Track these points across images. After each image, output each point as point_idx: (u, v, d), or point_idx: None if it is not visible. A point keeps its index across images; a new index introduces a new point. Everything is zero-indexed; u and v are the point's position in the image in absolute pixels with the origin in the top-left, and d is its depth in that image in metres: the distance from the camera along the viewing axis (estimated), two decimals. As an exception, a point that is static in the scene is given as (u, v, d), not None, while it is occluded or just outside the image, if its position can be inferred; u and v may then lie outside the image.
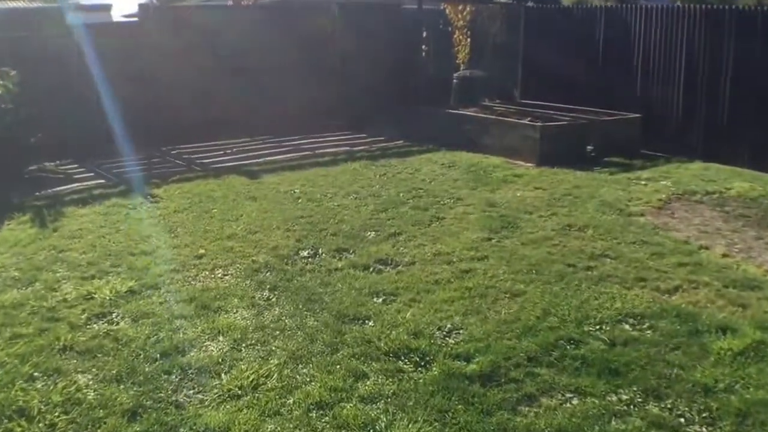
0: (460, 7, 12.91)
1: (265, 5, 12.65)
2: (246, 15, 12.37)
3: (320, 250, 6.71)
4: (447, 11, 12.88)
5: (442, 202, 8.41)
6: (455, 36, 12.86)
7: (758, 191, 9.34)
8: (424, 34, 12.23)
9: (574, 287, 5.86)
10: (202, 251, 6.62)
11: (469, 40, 12.95)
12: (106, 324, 5.18)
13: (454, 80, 13.94)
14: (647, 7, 12.34)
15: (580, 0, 14.03)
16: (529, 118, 11.68)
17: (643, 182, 9.72)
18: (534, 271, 6.25)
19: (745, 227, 7.76)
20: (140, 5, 11.90)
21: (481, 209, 8.13)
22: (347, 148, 11.85)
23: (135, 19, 12.12)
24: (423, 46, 12.49)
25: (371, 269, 6.29)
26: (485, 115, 11.93)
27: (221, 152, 11.50)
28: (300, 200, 8.42)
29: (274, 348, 4.80)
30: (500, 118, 11.77)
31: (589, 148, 11.46)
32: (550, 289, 5.85)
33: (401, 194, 8.72)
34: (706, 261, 6.54)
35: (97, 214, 7.93)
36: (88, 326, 5.14)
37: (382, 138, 12.61)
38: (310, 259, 6.51)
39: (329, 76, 13.43)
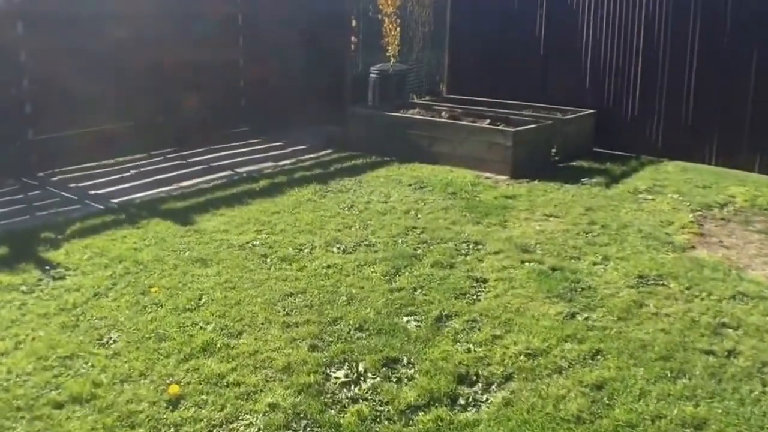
0: None
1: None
2: (128, 2, 9.09)
3: (359, 366, 4.09)
4: None
5: (461, 251, 5.98)
6: (385, 25, 10.32)
7: (764, 197, 7.84)
8: (354, 24, 9.61)
9: (749, 398, 3.80)
10: (173, 390, 3.79)
11: (398, 29, 10.45)
12: None
13: (372, 75, 11.40)
14: (599, -10, 10.43)
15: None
16: (488, 121, 9.43)
17: (650, 197, 7.84)
18: (678, 372, 4.09)
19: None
20: None
21: (517, 258, 5.81)
22: (272, 163, 9.06)
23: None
24: (352, 38, 9.82)
25: (456, 399, 3.79)
26: (437, 119, 9.53)
27: (117, 175, 8.33)
28: (270, 262, 5.66)
29: None
30: (457, 122, 9.42)
31: (553, 151, 9.47)
32: (725, 405, 3.74)
33: (399, 240, 6.19)
34: None
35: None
36: None
37: (306, 147, 9.90)
38: (355, 389, 3.88)
39: (230, 75, 10.46)
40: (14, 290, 5.05)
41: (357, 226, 6.53)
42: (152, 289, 5.05)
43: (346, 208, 7.08)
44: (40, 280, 5.25)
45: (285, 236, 6.20)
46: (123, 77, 9.04)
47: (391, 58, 10.48)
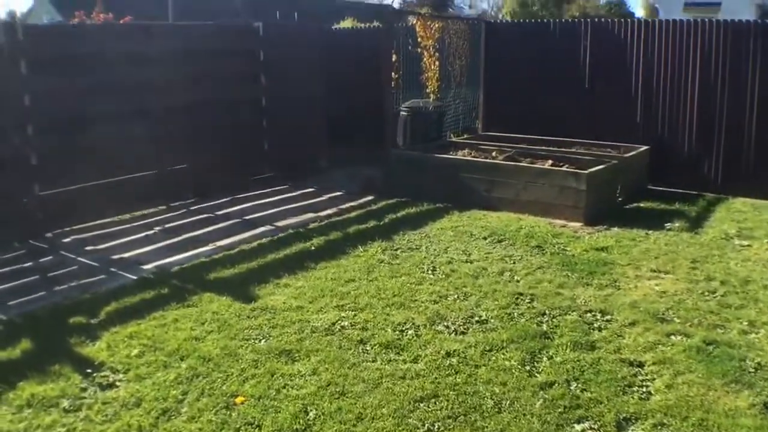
0: (430, 24, 9.22)
1: (170, 30, 8.17)
2: (147, 41, 7.84)
3: None
4: (417, 28, 9.13)
5: (591, 324, 4.79)
6: (424, 59, 9.18)
7: None
8: (394, 58, 8.43)
9: None
10: None
11: (437, 63, 9.31)
12: None
13: (403, 112, 10.25)
14: (648, 22, 9.49)
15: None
16: (550, 162, 8.32)
17: (746, 243, 6.81)
18: None
19: None
20: (3, 25, 7.00)
21: (659, 331, 4.66)
22: (312, 214, 7.79)
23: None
24: (393, 75, 8.64)
25: None
26: (498, 161, 8.38)
27: (140, 234, 7.00)
28: (372, 350, 4.39)
29: None
30: (520, 164, 8.29)
31: (617, 192, 8.41)
32: None
33: (514, 313, 4.96)
34: None
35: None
36: None
37: (342, 193, 8.68)
38: None
39: (252, 115, 9.22)
40: (53, 407, 3.70)
41: (454, 296, 5.30)
42: (237, 400, 3.75)
43: (429, 271, 5.85)
44: (84, 389, 3.89)
45: (375, 313, 4.93)
46: (136, 121, 7.77)
47: (431, 95, 9.34)
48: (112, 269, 6.02)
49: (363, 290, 5.38)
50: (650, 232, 7.11)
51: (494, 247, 6.58)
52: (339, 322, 4.77)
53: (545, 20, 11.46)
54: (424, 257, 6.24)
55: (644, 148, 9.17)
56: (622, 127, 9.62)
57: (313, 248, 6.44)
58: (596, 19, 10.12)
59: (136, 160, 7.85)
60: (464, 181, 8.19)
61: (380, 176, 8.97)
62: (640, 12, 39.78)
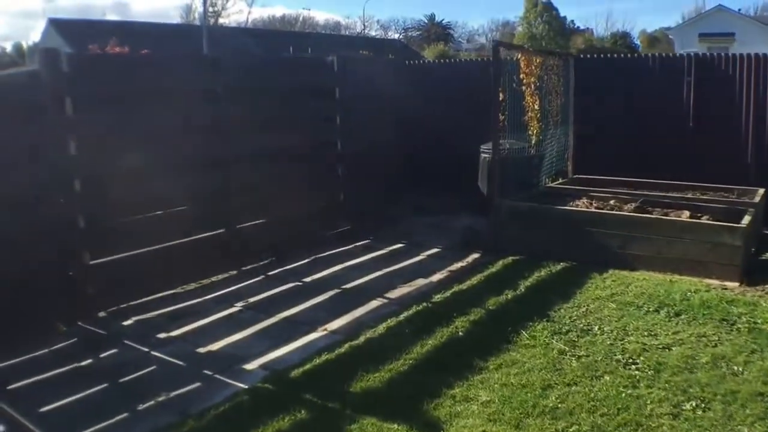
0: (533, 59, 7.68)
1: (240, 64, 6.46)
2: (213, 76, 6.20)
3: None
4: (522, 64, 7.58)
5: None
6: (525, 99, 7.64)
7: None
8: (501, 97, 6.87)
9: None
10: None
11: (538, 102, 7.77)
12: None
13: (483, 153, 8.69)
14: (760, 56, 8.07)
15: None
16: (687, 213, 6.77)
17: None
18: None
19: None
20: (45, 52, 5.23)
21: None
22: (422, 279, 6.13)
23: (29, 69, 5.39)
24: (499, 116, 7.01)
25: None
26: (635, 215, 6.80)
27: (221, 313, 5.30)
28: None
29: None
30: (663, 218, 6.72)
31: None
32: None
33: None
34: None
35: None
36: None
37: (440, 250, 7.09)
38: None
39: (327, 160, 7.57)
40: None
41: (689, 403, 3.73)
42: None
43: (629, 365, 4.24)
44: None
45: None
46: (203, 171, 6.12)
47: (533, 138, 7.81)
48: (206, 371, 4.30)
49: (573, 403, 3.74)
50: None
51: (676, 323, 4.99)
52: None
53: (644, 54, 10.05)
54: (610, 344, 4.61)
55: (761, 190, 7.67)
56: (731, 168, 8.16)
57: (461, 334, 4.76)
58: (700, 54, 8.71)
59: (203, 216, 6.17)
60: (592, 237, 6.60)
61: (479, 229, 7.38)
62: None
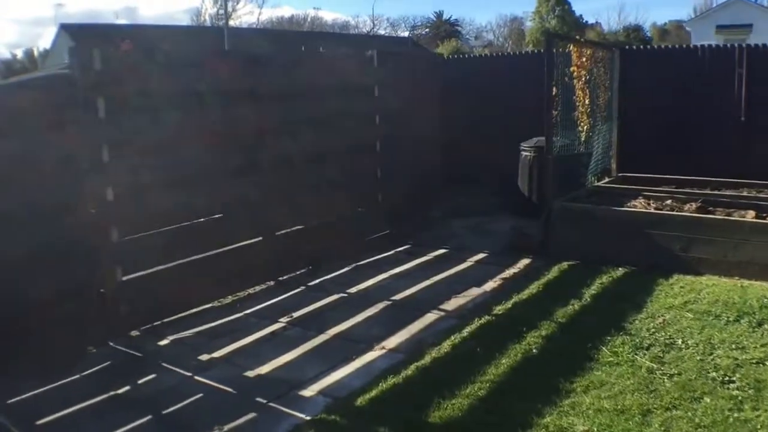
0: (584, 51, 7.16)
1: (280, 61, 5.92)
2: (254, 75, 5.69)
3: None
4: (573, 56, 7.06)
5: None
6: (576, 93, 7.12)
7: None
8: (554, 92, 6.34)
9: None
10: None
11: (588, 97, 7.26)
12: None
13: (524, 152, 8.19)
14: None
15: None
16: (753, 213, 6.26)
17: None
18: None
19: None
20: (77, 49, 4.71)
21: None
22: (476, 289, 5.63)
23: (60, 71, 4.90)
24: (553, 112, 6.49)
25: None
26: (701, 215, 6.29)
27: (263, 330, 4.84)
28: None
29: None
30: (729, 218, 6.21)
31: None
32: None
33: None
34: None
35: None
36: None
37: (487, 256, 6.64)
38: None
39: (366, 162, 7.06)
40: None
41: None
42: None
43: (726, 384, 3.75)
44: None
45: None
46: (239, 176, 5.64)
47: (582, 135, 7.30)
48: (259, 398, 3.83)
49: (679, 431, 3.25)
50: None
51: (761, 334, 4.50)
52: None
53: (693, 45, 9.52)
54: (699, 360, 4.12)
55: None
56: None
57: (535, 351, 4.27)
58: (753, 45, 8.18)
59: (239, 224, 5.71)
60: (652, 240, 6.10)
61: (527, 232, 6.88)
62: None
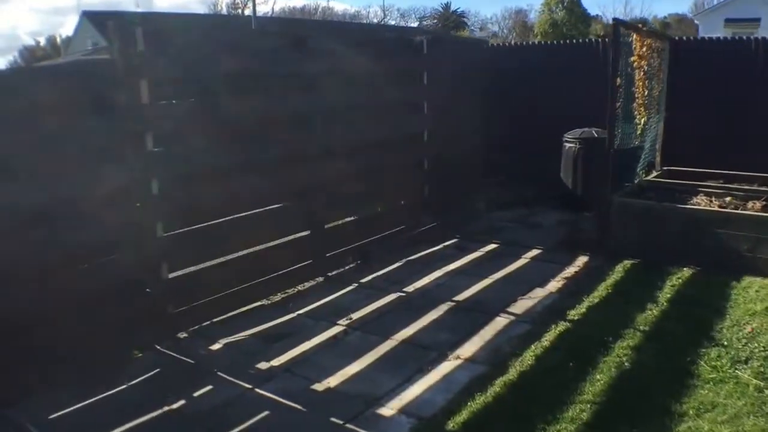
0: (646, 40, 6.61)
1: (329, 45, 5.36)
2: (302, 58, 5.14)
3: None
4: (635, 46, 6.52)
5: None
6: (636, 84, 6.58)
7: None
8: (618, 81, 5.81)
9: None
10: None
11: (647, 90, 6.73)
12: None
13: (568, 143, 7.68)
14: None
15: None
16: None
17: None
18: None
19: None
20: (116, 25, 4.22)
21: None
22: (540, 289, 5.14)
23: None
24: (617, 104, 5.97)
25: None
26: (760, 213, 5.79)
27: (324, 334, 4.36)
28: None
29: None
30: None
31: None
32: None
33: None
34: None
35: None
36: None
37: (542, 251, 6.14)
38: None
39: (413, 153, 6.52)
40: None
41: None
42: None
43: None
44: None
45: None
46: (287, 167, 5.13)
47: (639, 127, 6.78)
48: (334, 419, 3.35)
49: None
50: None
51: None
52: None
53: (738, 37, 8.94)
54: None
55: None
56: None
57: (627, 365, 3.79)
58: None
59: (287, 218, 5.21)
60: (717, 239, 5.60)
61: (582, 227, 6.40)
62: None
